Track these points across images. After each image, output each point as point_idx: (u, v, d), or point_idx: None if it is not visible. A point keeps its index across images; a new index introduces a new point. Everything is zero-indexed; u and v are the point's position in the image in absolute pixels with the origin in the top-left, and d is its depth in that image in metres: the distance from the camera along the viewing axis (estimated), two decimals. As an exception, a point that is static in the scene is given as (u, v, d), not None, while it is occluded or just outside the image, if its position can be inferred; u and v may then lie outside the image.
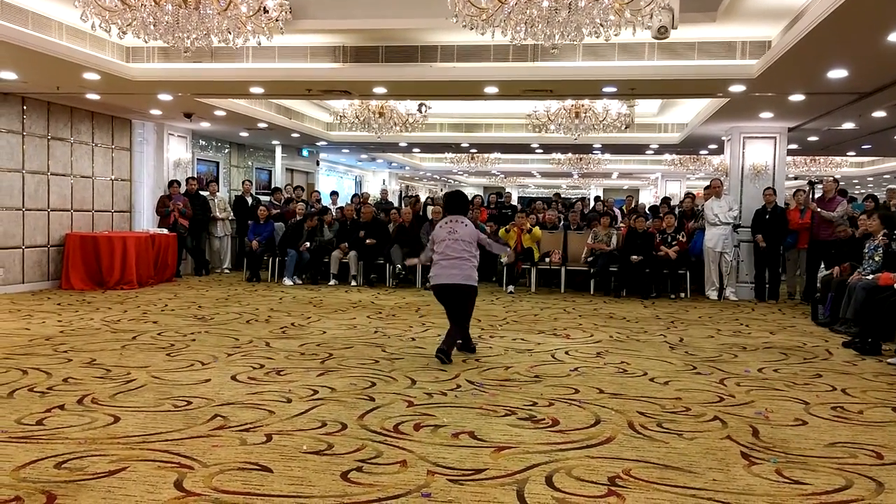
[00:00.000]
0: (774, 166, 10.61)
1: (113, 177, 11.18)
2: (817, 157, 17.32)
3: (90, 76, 8.02)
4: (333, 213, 12.01)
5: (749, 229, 10.10)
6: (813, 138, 12.47)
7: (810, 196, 9.84)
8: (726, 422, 3.96)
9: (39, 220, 9.78)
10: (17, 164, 9.39)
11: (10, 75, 8.04)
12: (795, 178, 19.60)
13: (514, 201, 16.49)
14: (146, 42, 5.82)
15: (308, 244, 10.99)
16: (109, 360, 5.29)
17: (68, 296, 9.04)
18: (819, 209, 9.51)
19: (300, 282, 10.84)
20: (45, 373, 4.85)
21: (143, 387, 4.51)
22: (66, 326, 6.75)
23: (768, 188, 10.01)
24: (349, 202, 13.03)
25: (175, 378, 4.77)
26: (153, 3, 4.82)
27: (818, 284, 8.08)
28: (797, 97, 8.46)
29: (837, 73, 7.20)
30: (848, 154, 16.66)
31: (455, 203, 5.68)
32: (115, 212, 11.24)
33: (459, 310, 5.48)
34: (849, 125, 10.86)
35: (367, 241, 10.73)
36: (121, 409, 3.98)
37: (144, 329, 6.66)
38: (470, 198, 17.33)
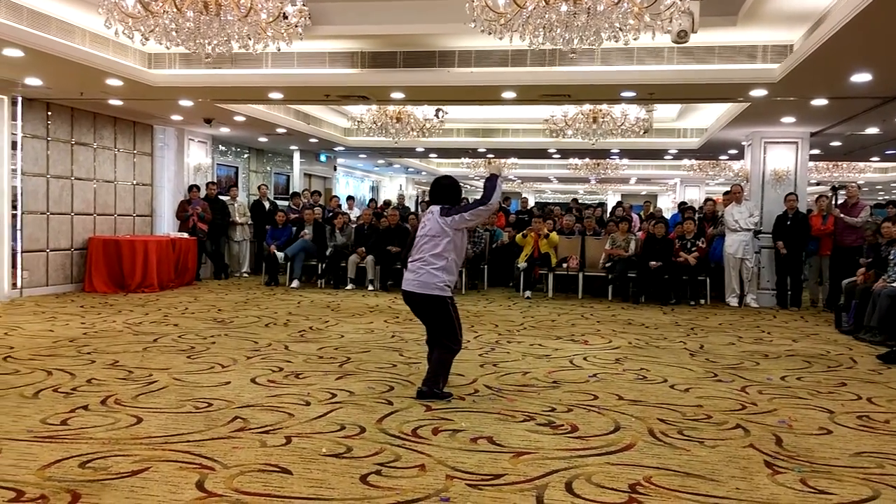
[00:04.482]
0: (796, 172, 10.48)
1: (135, 181, 11.31)
2: (840, 163, 17.12)
3: (113, 82, 8.13)
4: (352, 217, 12.02)
5: (770, 235, 10.00)
6: (836, 143, 12.34)
7: (833, 202, 9.72)
8: (749, 430, 3.91)
9: (63, 224, 9.91)
10: (41, 168, 9.54)
11: (35, 81, 8.17)
12: (818, 184, 19.40)
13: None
14: (168, 48, 5.89)
15: (307, 232, 11.12)
16: (131, 361, 5.35)
17: (91, 298, 9.15)
18: (842, 215, 9.39)
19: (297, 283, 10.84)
20: (69, 374, 4.90)
21: (165, 388, 4.55)
22: (90, 328, 6.83)
23: (790, 194, 9.91)
24: (366, 207, 13.06)
25: (196, 380, 4.80)
26: (175, 10, 4.88)
27: (842, 291, 7.97)
28: (820, 101, 8.37)
29: (861, 77, 7.11)
30: (871, 159, 16.45)
31: (435, 192, 4.62)
32: (136, 216, 11.37)
33: (429, 327, 4.54)
34: (872, 130, 10.73)
35: (392, 248, 10.61)
36: (143, 410, 4.02)
37: (165, 331, 6.72)
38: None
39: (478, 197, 4.53)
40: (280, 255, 10.96)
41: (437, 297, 4.35)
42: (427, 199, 14.18)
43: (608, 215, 13.24)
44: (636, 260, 10.15)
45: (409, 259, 4.48)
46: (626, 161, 18.50)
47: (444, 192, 4.54)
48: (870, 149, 13.45)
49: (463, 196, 5.00)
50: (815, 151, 13.19)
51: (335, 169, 18.65)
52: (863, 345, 6.78)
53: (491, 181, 4.43)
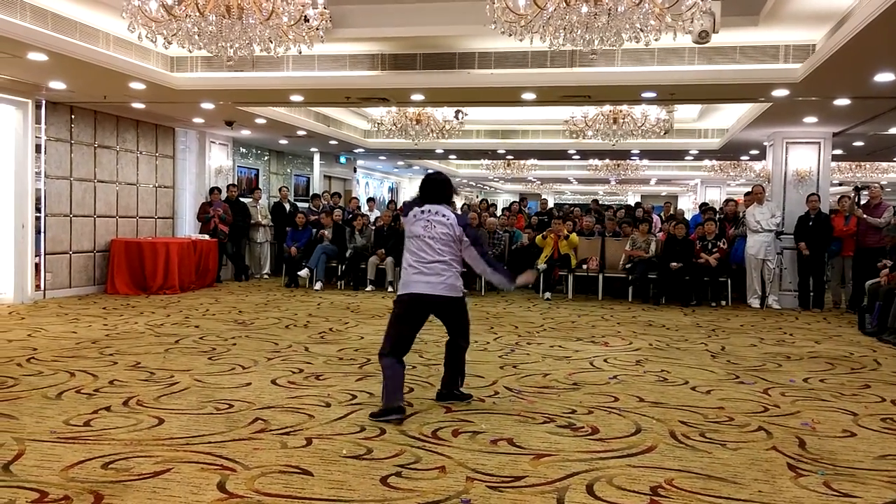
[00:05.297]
0: (818, 172, 10.36)
1: (156, 184, 11.44)
2: (863, 163, 16.88)
3: (136, 85, 8.23)
4: (372, 219, 12.07)
5: (792, 236, 9.89)
6: (858, 143, 12.17)
7: (856, 202, 9.59)
8: (771, 432, 3.87)
9: (86, 226, 10.05)
10: (64, 171, 9.67)
11: (59, 85, 8.30)
12: (840, 185, 19.13)
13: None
14: (190, 52, 5.95)
15: (326, 233, 11.25)
16: (153, 363, 5.41)
17: (113, 300, 9.27)
18: (865, 216, 9.27)
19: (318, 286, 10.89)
20: (92, 375, 4.97)
21: (186, 390, 4.59)
22: (112, 330, 6.92)
23: (812, 194, 9.79)
24: (386, 208, 13.11)
25: (217, 381, 4.84)
26: (198, 14, 4.93)
27: (865, 293, 7.85)
28: (842, 101, 8.26)
29: (885, 77, 7.01)
30: (895, 160, 16.21)
31: (431, 189, 4.37)
32: (158, 218, 11.49)
33: (451, 328, 4.42)
34: (896, 130, 10.58)
35: None
36: (165, 412, 4.06)
37: (187, 333, 6.79)
38: (507, 204, 17.18)
39: (490, 252, 4.64)
40: (304, 273, 11.00)
41: (460, 299, 4.35)
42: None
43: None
44: (656, 261, 10.08)
45: (422, 261, 4.26)
46: (646, 162, 18.40)
47: (439, 188, 4.37)
48: (893, 149, 13.25)
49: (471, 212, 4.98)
50: (838, 151, 13.02)
51: (355, 171, 18.73)
52: (886, 346, 6.68)
53: (505, 272, 4.53)
